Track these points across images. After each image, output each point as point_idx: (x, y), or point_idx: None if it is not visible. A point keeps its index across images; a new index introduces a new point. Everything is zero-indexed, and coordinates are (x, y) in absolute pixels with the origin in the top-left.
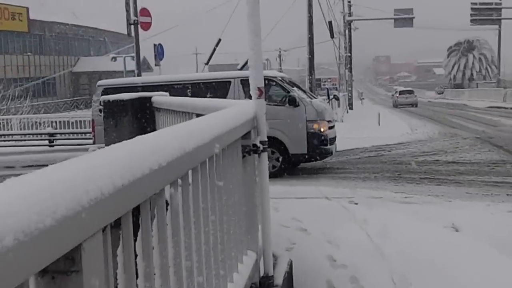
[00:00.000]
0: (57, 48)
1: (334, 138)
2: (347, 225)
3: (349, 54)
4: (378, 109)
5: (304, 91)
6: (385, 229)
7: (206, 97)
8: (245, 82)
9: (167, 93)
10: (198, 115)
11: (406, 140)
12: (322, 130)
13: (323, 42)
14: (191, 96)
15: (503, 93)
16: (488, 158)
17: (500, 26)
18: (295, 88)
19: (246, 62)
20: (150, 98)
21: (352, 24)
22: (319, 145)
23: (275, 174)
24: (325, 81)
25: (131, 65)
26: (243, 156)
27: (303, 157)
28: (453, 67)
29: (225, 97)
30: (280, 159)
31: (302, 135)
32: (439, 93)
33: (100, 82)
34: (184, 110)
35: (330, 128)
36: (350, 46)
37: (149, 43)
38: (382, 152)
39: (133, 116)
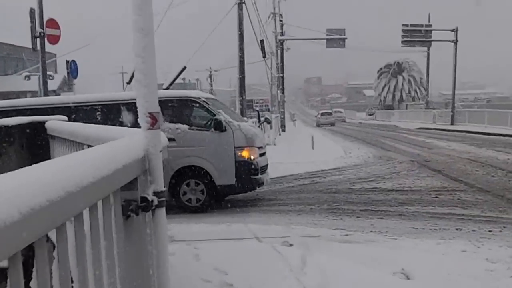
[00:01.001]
0: None
1: (266, 166)
2: (281, 276)
3: (282, 75)
4: (310, 130)
5: (233, 113)
6: (326, 280)
7: (118, 120)
8: (164, 103)
9: (65, 117)
10: (89, 146)
11: (341, 164)
12: (252, 157)
13: (255, 62)
14: (100, 120)
15: (432, 114)
16: (429, 185)
17: (429, 49)
18: (221, 111)
19: (133, 75)
20: (44, 123)
21: (284, 44)
22: (249, 174)
23: (199, 209)
24: (257, 102)
25: (53, 84)
26: (127, 217)
27: (231, 189)
28: (383, 88)
29: None
30: (205, 192)
31: (230, 164)
32: (369, 115)
33: None
34: (75, 139)
35: (261, 155)
36: (282, 66)
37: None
38: (317, 179)
39: (21, 145)
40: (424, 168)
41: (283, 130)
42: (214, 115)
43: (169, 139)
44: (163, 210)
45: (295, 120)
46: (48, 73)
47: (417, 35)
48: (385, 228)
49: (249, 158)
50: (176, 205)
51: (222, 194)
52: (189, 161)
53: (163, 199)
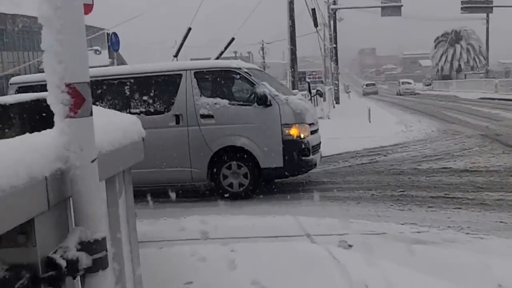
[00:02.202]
0: (22, 43)
1: (318, 145)
2: None
3: (335, 45)
4: (366, 102)
5: (281, 86)
6: None
7: (149, 95)
8: (201, 75)
9: None
10: None
11: (402, 140)
12: (302, 136)
13: (307, 34)
14: (129, 95)
15: (494, 83)
16: (508, 164)
17: (488, 15)
18: (265, 83)
19: (180, 47)
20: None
21: (337, 14)
22: (299, 155)
23: (242, 195)
24: (309, 74)
25: (99, 59)
26: None
27: (278, 172)
28: (440, 58)
29: (174, 96)
30: (249, 176)
31: (277, 144)
32: (426, 85)
33: (13, 79)
34: None
35: (313, 132)
36: (336, 37)
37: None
38: (376, 158)
39: (24, 126)
40: (497, 143)
41: (337, 103)
42: (258, 87)
43: (207, 116)
44: (106, 276)
45: (350, 92)
46: (95, 47)
47: (477, 0)
48: (465, 222)
49: (299, 136)
50: (216, 191)
51: (268, 178)
52: (230, 140)
53: (103, 254)
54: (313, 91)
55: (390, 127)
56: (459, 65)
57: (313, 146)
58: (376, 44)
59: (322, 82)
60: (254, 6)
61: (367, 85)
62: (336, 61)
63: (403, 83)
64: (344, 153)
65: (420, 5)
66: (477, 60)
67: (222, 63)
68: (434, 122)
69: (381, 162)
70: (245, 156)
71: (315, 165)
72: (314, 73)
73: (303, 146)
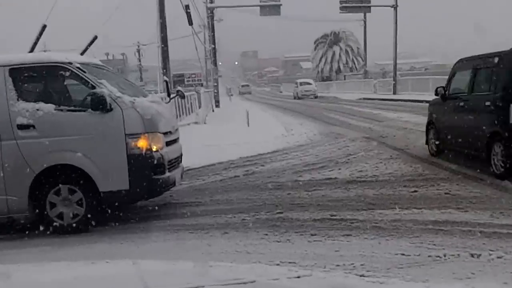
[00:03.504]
0: None
1: (179, 159)
2: None
3: (213, 46)
4: (247, 105)
5: (129, 86)
6: None
7: None
8: (18, 73)
9: None
10: None
11: (282, 146)
12: (154, 148)
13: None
14: None
15: (373, 84)
16: (398, 171)
17: (365, 16)
18: (104, 81)
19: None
20: None
21: (215, 13)
22: (150, 174)
23: (76, 229)
24: (188, 77)
25: None
26: None
27: (123, 196)
28: (320, 60)
29: None
30: (84, 203)
31: (120, 160)
32: None
33: None
34: None
35: (170, 143)
36: (214, 37)
37: None
38: (253, 168)
39: None
40: (383, 146)
41: (217, 106)
42: (94, 87)
43: (26, 126)
44: None
45: (232, 95)
46: None
47: (355, 0)
48: (358, 257)
49: (149, 149)
50: (42, 225)
51: (111, 204)
52: (58, 158)
53: None
54: (173, 92)
55: (270, 131)
56: (339, 67)
57: (170, 161)
58: (258, 47)
59: (202, 85)
60: (129, 6)
61: (242, 86)
62: (215, 62)
63: (301, 83)
64: (216, 164)
65: (300, 5)
66: (355, 61)
67: (45, 57)
68: (316, 125)
69: (257, 174)
70: (79, 177)
71: (173, 184)
72: (193, 76)
73: (155, 161)
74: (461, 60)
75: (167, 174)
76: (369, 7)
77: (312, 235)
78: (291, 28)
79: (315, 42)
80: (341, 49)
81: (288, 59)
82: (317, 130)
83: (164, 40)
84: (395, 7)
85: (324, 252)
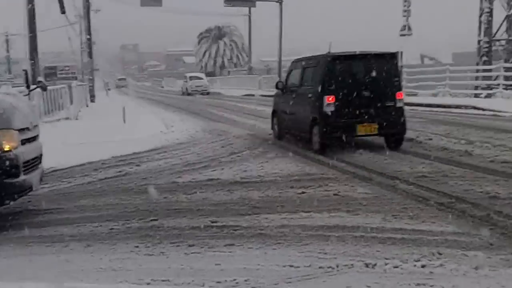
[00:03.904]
0: None
1: (38, 159)
2: None
3: (88, 37)
4: (125, 100)
5: None
6: None
7: None
8: None
9: None
10: None
11: (161, 144)
12: (6, 148)
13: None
14: None
15: (258, 80)
16: (285, 171)
17: (250, 11)
18: None
19: None
20: None
21: (93, 4)
22: (1, 177)
23: None
24: (61, 70)
25: None
26: None
27: None
28: (204, 54)
29: None
30: None
31: None
32: None
33: None
34: None
35: (27, 141)
36: (89, 27)
37: None
38: (127, 169)
39: None
40: (269, 144)
41: (93, 101)
42: None
43: None
44: None
45: (109, 89)
46: None
47: None
48: (242, 271)
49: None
50: None
51: None
52: None
53: None
54: (32, 84)
55: (148, 128)
56: (223, 62)
57: (26, 162)
58: (139, 40)
59: (76, 78)
60: None
61: (119, 79)
62: (91, 54)
63: (191, 78)
64: (86, 164)
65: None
66: (240, 57)
67: None
68: (199, 121)
69: (131, 175)
70: None
71: (30, 188)
72: (67, 68)
73: (7, 163)
74: (295, 60)
75: (22, 177)
76: (254, 1)
77: (190, 246)
78: (174, 21)
79: (198, 37)
80: (225, 44)
81: (170, 53)
82: (200, 127)
83: (32, 28)
84: (280, 1)
85: (203, 266)
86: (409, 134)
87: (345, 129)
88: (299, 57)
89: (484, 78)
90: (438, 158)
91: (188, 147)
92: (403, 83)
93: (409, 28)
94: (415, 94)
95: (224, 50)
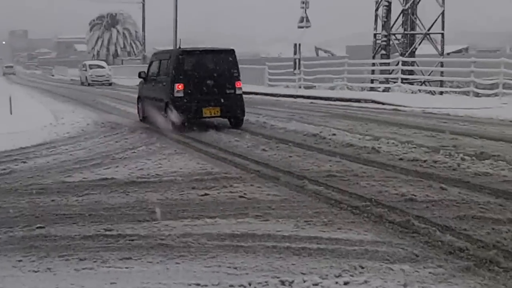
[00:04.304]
0: None
1: None
2: None
3: None
4: (12, 89)
5: None
6: None
7: None
8: None
9: None
10: None
11: (50, 138)
12: None
13: None
14: None
15: None
16: (185, 169)
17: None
18: None
19: None
20: None
21: None
22: None
23: None
24: None
25: None
26: None
27: None
28: (96, 42)
29: None
30: None
31: None
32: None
33: None
34: None
35: None
36: None
37: None
38: (11, 166)
39: None
40: (165, 138)
41: None
42: None
43: None
44: None
45: None
46: None
47: None
48: None
49: None
50: None
51: None
52: None
53: None
54: None
55: (37, 120)
56: (116, 51)
57: None
58: (29, 26)
59: None
60: None
61: (6, 66)
62: None
63: (91, 66)
64: None
65: None
66: (134, 45)
67: None
68: (91, 113)
69: (16, 174)
70: None
71: None
72: None
73: None
74: (154, 53)
75: None
76: None
77: (81, 260)
78: (65, 6)
79: (90, 24)
80: (118, 32)
81: (61, 41)
82: (92, 119)
83: None
84: None
85: (96, 285)
86: (311, 129)
87: (192, 111)
88: (160, 49)
89: (382, 72)
90: (345, 156)
91: (79, 142)
92: (301, 75)
93: (307, 20)
94: (313, 87)
95: (117, 38)
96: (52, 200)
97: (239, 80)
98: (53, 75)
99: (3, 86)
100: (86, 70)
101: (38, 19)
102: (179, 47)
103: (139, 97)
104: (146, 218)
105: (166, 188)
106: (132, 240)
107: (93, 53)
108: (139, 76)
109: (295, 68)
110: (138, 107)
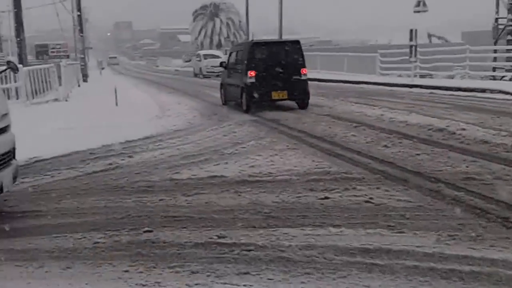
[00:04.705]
0: None
1: (7, 155)
2: None
3: (79, 14)
4: (119, 80)
5: None
6: None
7: None
8: None
9: None
10: None
11: (156, 130)
12: None
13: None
14: None
15: None
16: (299, 167)
17: None
18: None
19: None
20: None
21: None
22: None
23: None
24: (53, 48)
25: None
26: None
27: None
28: (199, 32)
29: None
30: None
31: None
32: (186, 61)
33: None
34: None
35: None
36: (79, 3)
37: None
38: (118, 161)
39: None
40: (276, 132)
41: (85, 81)
42: None
43: None
44: None
45: (103, 68)
46: None
47: None
48: None
49: None
50: None
51: None
52: None
53: None
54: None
55: (143, 111)
56: (220, 40)
57: None
58: (133, 18)
59: (68, 56)
60: None
61: (110, 57)
62: (81, 31)
63: (206, 56)
64: (73, 154)
65: None
66: (237, 35)
67: None
68: (197, 105)
69: (122, 169)
70: None
71: (0, 191)
72: (58, 46)
73: None
74: (232, 45)
75: None
76: None
77: (193, 272)
78: None
79: (193, 14)
80: (221, 21)
81: (164, 31)
82: (198, 111)
83: (17, 4)
84: None
85: None
86: (436, 123)
87: (263, 94)
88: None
89: (508, 59)
90: (480, 154)
91: (186, 135)
92: (417, 63)
93: (424, 4)
94: (429, 76)
95: (221, 28)
96: (160, 200)
97: (304, 67)
98: (157, 66)
99: (109, 77)
100: (200, 61)
101: (142, 10)
102: (252, 40)
103: (221, 84)
104: (262, 224)
105: (281, 189)
106: (249, 250)
107: (196, 43)
108: (221, 65)
109: (411, 56)
110: (221, 92)
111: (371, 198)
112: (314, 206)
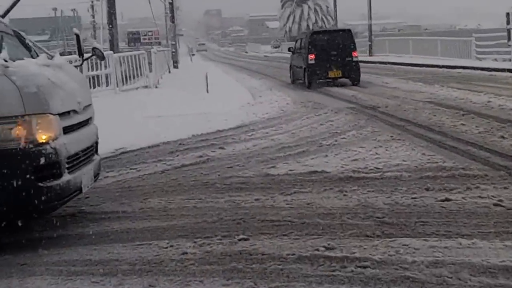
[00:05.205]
0: None
1: (88, 151)
2: None
3: (170, 1)
4: (209, 66)
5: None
6: None
7: None
8: None
9: None
10: None
11: (248, 119)
12: (41, 139)
13: None
14: None
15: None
16: (409, 161)
17: None
18: None
19: None
20: None
21: None
22: (33, 180)
23: None
24: (144, 35)
25: None
26: None
27: None
28: (287, 19)
29: None
30: None
31: None
32: (275, 47)
33: None
34: None
35: (74, 128)
36: None
37: None
38: (208, 153)
39: None
40: (377, 121)
41: (176, 67)
42: None
43: None
44: None
45: (193, 54)
46: None
47: None
48: None
49: (32, 141)
50: None
51: None
52: None
53: None
54: (86, 52)
55: (234, 99)
56: (308, 26)
57: (72, 156)
58: (222, 5)
59: (159, 43)
60: None
61: (199, 44)
62: (173, 19)
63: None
64: (161, 145)
65: None
66: (325, 20)
67: None
68: (289, 91)
69: (213, 162)
70: None
71: (79, 190)
72: (150, 33)
73: (42, 160)
74: (299, 34)
75: (66, 177)
76: None
77: None
78: None
79: (282, 1)
80: (309, 7)
81: (253, 18)
82: (291, 98)
83: None
84: None
85: None
86: None
87: (321, 73)
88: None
89: None
90: None
91: (279, 124)
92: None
93: None
94: None
95: (309, 14)
96: (256, 200)
97: (355, 50)
98: (246, 52)
99: (199, 63)
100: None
101: None
102: (313, 29)
103: (290, 65)
104: (375, 231)
105: (391, 188)
106: (364, 267)
107: (285, 30)
108: (289, 50)
109: (509, 39)
110: (290, 73)
111: (500, 201)
112: (434, 210)
